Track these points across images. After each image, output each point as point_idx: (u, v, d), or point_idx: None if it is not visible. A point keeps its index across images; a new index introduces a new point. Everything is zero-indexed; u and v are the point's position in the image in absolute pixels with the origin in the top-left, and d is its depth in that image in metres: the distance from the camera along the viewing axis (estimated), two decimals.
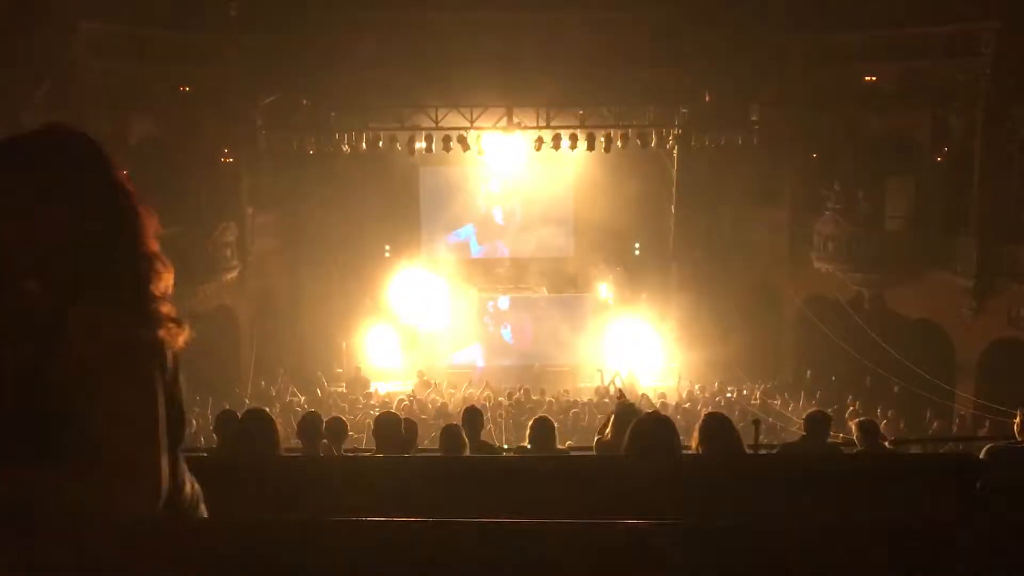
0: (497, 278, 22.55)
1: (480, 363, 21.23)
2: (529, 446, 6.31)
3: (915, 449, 11.05)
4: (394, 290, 21.69)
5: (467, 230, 22.64)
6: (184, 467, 2.01)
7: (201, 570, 1.70)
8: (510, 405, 16.90)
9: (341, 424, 7.14)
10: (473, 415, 6.91)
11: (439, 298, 21.41)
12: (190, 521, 1.98)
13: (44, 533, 1.62)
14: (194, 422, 14.93)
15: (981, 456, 5.27)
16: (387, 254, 22.00)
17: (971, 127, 17.28)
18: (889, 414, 15.75)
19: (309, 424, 6.51)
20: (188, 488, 2.01)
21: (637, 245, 21.60)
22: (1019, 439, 5.43)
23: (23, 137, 1.78)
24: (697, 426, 4.57)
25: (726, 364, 19.77)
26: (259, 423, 5.17)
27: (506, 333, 21.85)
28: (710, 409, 13.18)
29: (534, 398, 17.34)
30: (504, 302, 21.93)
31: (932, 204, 18.49)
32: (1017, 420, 5.48)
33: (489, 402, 16.83)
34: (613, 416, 6.62)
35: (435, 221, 22.34)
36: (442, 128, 18.92)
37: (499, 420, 15.52)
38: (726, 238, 21.16)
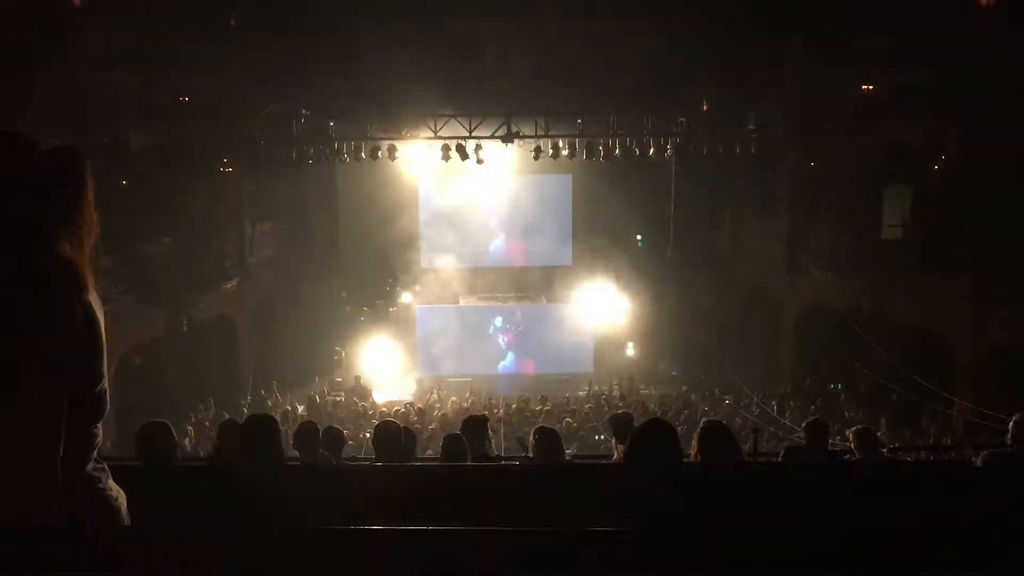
0: (497, 287, 22.59)
1: (481, 372, 21.23)
2: (531, 455, 6.29)
3: (913, 457, 11.04)
4: (394, 300, 21.73)
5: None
6: (96, 473, 2.05)
7: None
8: (509, 414, 16.88)
9: (338, 433, 7.14)
10: (474, 423, 6.87)
11: (439, 308, 21.44)
12: (193, 529, 1.99)
13: None
14: (189, 428, 14.93)
15: (978, 462, 5.28)
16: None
17: (969, 135, 17.32)
18: (886, 422, 15.75)
19: (305, 433, 6.50)
20: (100, 488, 2.06)
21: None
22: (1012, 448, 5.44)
23: None
24: (696, 434, 4.57)
25: (725, 372, 19.78)
26: (264, 430, 5.15)
27: (507, 342, 21.86)
28: (709, 417, 13.21)
29: (535, 408, 17.33)
30: (504, 311, 21.96)
31: (930, 212, 18.51)
32: (1010, 431, 5.48)
33: (489, 410, 16.81)
34: (613, 429, 6.64)
35: (434, 230, 22.36)
36: (441, 137, 18.96)
37: (498, 429, 15.51)
38: (725, 247, 21.19)
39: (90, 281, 1.92)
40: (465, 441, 6.25)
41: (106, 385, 2.00)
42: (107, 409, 2.03)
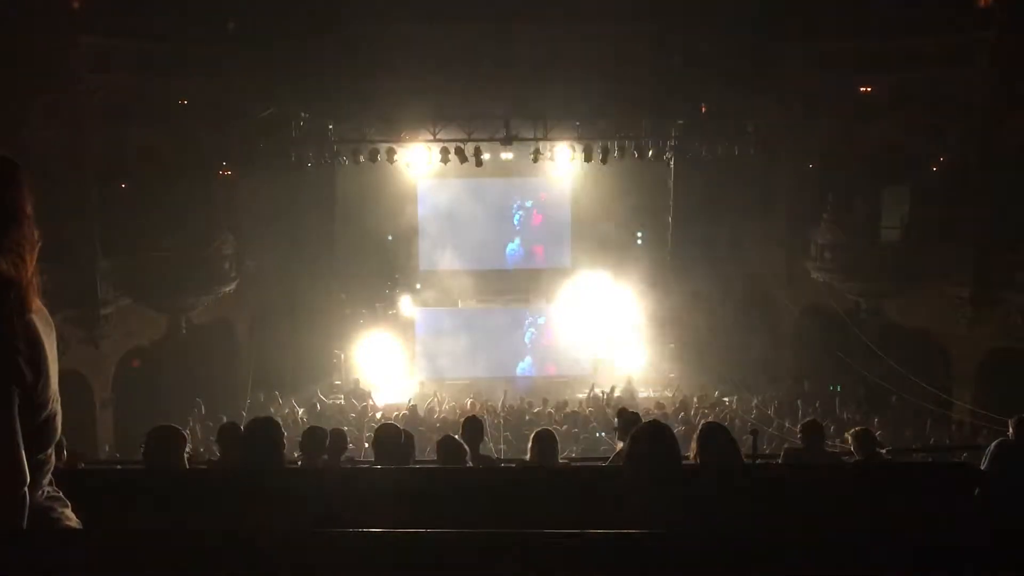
0: (496, 289, 22.54)
1: (481, 374, 21.22)
2: (529, 458, 6.29)
3: (912, 458, 11.05)
4: (393, 302, 21.73)
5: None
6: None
7: None
8: (508, 416, 16.86)
9: (340, 436, 7.14)
10: (472, 425, 6.88)
11: (438, 311, 21.45)
12: (198, 531, 1.98)
13: None
14: (187, 431, 14.89)
15: (991, 449, 5.28)
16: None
17: (966, 137, 17.34)
18: (885, 423, 15.74)
19: (313, 438, 6.50)
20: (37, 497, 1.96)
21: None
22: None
23: None
24: (695, 436, 4.57)
25: (724, 374, 19.76)
26: (266, 432, 5.14)
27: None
28: (708, 419, 13.20)
29: (535, 410, 17.30)
30: (506, 313, 22.01)
31: (928, 214, 18.52)
32: (1010, 431, 5.48)
33: (490, 413, 16.80)
34: (618, 428, 6.66)
35: (433, 232, 22.32)
36: (440, 140, 18.95)
37: (497, 431, 15.50)
38: (723, 249, 21.18)
39: (33, 300, 1.82)
40: (463, 443, 6.25)
41: (57, 409, 1.88)
42: (58, 434, 1.90)
